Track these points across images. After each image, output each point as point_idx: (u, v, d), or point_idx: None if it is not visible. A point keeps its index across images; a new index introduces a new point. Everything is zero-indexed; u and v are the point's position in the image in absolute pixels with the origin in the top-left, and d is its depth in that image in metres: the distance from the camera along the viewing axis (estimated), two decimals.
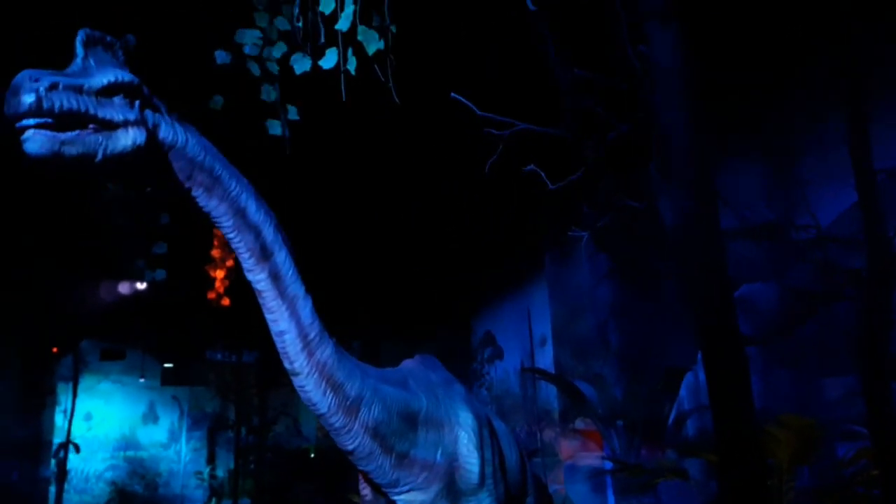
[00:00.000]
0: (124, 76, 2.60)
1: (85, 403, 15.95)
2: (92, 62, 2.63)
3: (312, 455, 18.57)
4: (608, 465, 9.06)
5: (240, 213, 2.95)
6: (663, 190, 4.71)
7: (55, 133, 2.39)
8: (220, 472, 18.38)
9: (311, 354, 3.11)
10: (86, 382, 15.76)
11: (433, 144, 7.62)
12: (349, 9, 3.76)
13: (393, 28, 3.92)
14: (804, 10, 5.62)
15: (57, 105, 2.37)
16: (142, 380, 17.63)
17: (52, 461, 14.58)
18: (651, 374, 8.82)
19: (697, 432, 8.15)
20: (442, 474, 3.68)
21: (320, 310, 3.13)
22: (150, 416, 17.99)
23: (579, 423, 9.91)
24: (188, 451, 18.29)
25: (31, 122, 2.35)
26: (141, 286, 10.89)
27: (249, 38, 4.09)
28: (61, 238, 10.23)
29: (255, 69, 4.10)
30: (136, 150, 2.60)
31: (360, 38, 3.83)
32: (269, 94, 4.13)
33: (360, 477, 4.07)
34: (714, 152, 4.38)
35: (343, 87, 3.81)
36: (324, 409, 3.20)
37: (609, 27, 4.91)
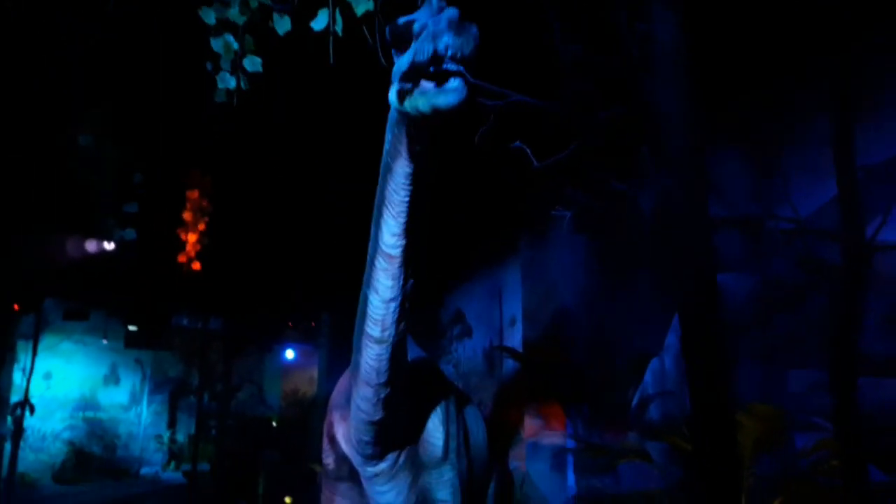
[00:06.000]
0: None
1: (45, 362, 15.68)
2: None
3: (275, 424, 18.56)
4: (570, 443, 9.14)
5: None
6: (653, 174, 4.67)
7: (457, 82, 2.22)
8: (181, 437, 18.30)
9: (398, 324, 3.07)
10: (47, 341, 15.49)
11: None
12: None
13: None
14: (798, 8, 5.61)
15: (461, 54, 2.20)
16: (104, 341, 17.40)
17: (9, 419, 14.33)
18: (618, 358, 8.89)
19: (661, 417, 8.25)
20: (409, 447, 3.68)
21: None
22: (112, 378, 17.78)
23: (544, 403, 9.98)
24: (149, 415, 18.15)
25: (454, 67, 2.18)
26: (109, 246, 10.63)
27: None
28: (28, 193, 9.96)
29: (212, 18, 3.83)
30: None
31: None
32: (230, 44, 3.85)
33: (326, 446, 4.02)
34: (706, 139, 4.37)
35: (331, 50, 3.69)
36: (384, 379, 3.15)
37: (611, 4, 4.80)
